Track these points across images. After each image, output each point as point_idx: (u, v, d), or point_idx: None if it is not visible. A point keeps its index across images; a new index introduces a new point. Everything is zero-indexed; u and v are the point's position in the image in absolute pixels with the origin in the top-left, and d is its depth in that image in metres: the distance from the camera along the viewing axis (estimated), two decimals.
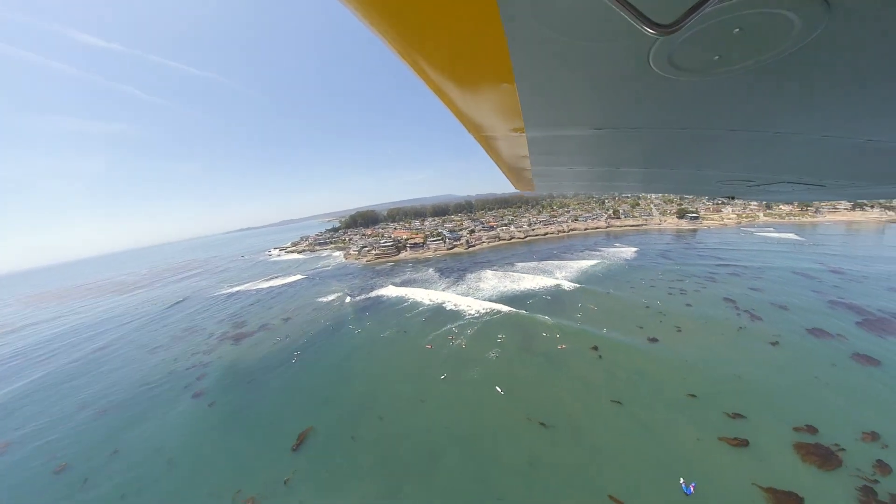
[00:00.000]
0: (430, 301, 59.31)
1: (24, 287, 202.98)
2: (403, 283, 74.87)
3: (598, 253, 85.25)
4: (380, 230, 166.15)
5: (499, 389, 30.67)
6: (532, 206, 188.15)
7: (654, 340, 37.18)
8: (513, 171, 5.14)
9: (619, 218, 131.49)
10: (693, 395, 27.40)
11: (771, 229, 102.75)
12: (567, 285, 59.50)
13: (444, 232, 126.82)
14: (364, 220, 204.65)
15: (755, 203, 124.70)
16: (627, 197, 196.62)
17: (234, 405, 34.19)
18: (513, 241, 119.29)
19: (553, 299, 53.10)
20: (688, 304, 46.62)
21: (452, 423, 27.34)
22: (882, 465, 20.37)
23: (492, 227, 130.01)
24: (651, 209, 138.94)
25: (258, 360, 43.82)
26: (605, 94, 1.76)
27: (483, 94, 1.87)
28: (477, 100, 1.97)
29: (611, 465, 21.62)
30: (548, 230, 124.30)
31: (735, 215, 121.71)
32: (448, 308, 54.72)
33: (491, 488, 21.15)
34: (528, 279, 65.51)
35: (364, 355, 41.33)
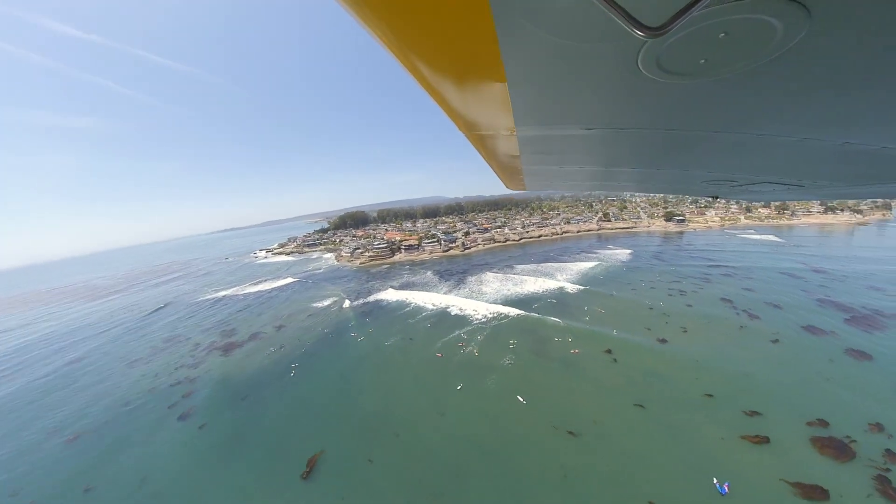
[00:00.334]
0: (434, 305, 58.51)
1: None
2: (403, 287, 74.02)
3: (594, 255, 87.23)
4: (371, 231, 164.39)
5: (520, 398, 30.02)
6: (522, 209, 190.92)
7: (663, 341, 38.34)
8: (504, 171, 5.16)
9: (609, 221, 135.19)
10: (710, 395, 28.37)
11: (752, 231, 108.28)
12: (570, 287, 60.59)
13: (439, 234, 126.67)
14: (354, 220, 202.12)
15: (736, 206, 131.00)
16: (614, 200, 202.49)
17: (228, 427, 30.73)
18: (507, 243, 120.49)
19: (559, 302, 53.83)
20: (689, 305, 48.38)
21: (476, 436, 26.03)
22: (892, 455, 21.74)
23: (486, 230, 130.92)
24: (639, 212, 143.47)
25: (252, 373, 40.53)
26: (594, 94, 1.80)
27: (474, 93, 1.88)
28: (468, 98, 1.98)
29: (644, 470, 21.80)
30: (541, 232, 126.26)
31: (718, 218, 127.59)
32: (453, 313, 54.06)
33: None
34: (531, 281, 66.27)
35: (370, 366, 39.31)
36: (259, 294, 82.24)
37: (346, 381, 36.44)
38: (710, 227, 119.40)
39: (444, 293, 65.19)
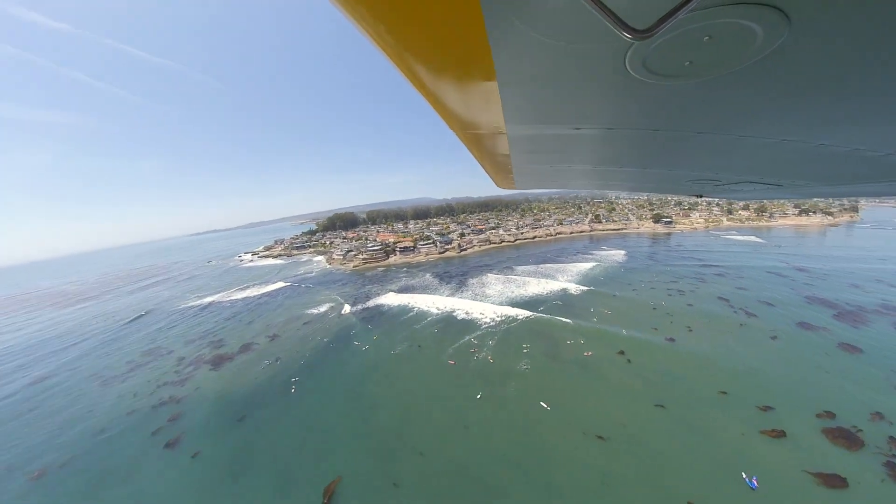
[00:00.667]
0: (438, 309, 57.53)
1: None
2: (403, 290, 73.02)
3: (591, 256, 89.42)
4: (362, 233, 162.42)
5: (544, 405, 29.60)
6: (513, 210, 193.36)
7: (671, 340, 39.76)
8: (495, 169, 5.25)
9: (600, 222, 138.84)
10: (724, 392, 29.64)
11: (734, 232, 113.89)
12: (573, 288, 61.86)
13: (434, 235, 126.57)
14: (343, 222, 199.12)
15: (717, 208, 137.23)
16: (601, 202, 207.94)
17: (226, 455, 27.37)
18: (503, 244, 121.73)
19: (564, 304, 54.75)
20: (689, 304, 50.36)
21: (505, 448, 24.98)
22: (895, 441, 23.41)
23: (481, 231, 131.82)
24: (628, 214, 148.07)
25: (247, 390, 37.02)
26: (583, 94, 1.87)
27: (465, 91, 1.93)
28: (459, 97, 2.03)
29: (676, 470, 22.29)
30: (536, 234, 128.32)
31: (703, 220, 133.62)
32: (459, 317, 53.21)
33: None
34: (533, 283, 67.21)
35: (380, 377, 37.01)
36: (247, 300, 78.07)
37: (356, 396, 33.95)
38: (695, 229, 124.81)
39: (447, 296, 64.71)
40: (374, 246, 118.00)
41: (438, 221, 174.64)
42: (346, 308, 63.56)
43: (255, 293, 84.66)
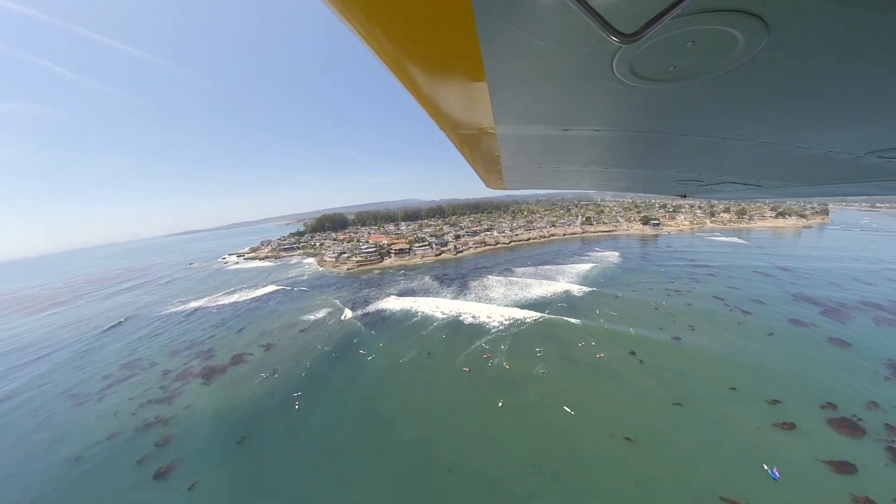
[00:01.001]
0: (443, 314, 56.24)
1: None
2: (404, 294, 72.01)
3: (587, 257, 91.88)
4: (352, 234, 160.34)
5: (568, 409, 29.38)
6: (504, 212, 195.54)
7: (677, 339, 41.50)
8: (484, 169, 5.32)
9: (592, 224, 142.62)
10: (733, 388, 31.26)
11: (718, 234, 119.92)
12: (575, 290, 63.39)
13: (428, 237, 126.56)
14: (333, 223, 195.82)
15: (700, 211, 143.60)
16: (588, 204, 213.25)
17: (228, 485, 24.27)
18: (498, 246, 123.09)
19: (570, 305, 55.93)
20: (688, 304, 52.67)
21: (535, 456, 24.41)
22: (892, 428, 25.58)
23: (475, 233, 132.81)
24: (617, 217, 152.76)
25: (245, 408, 33.76)
26: (571, 96, 1.93)
27: (455, 92, 1.97)
28: (449, 97, 2.08)
29: (702, 466, 23.17)
30: (530, 235, 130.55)
31: (688, 222, 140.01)
32: (467, 321, 51.91)
33: None
34: (535, 285, 68.35)
35: (393, 390, 34.94)
36: (236, 305, 73.54)
37: (369, 412, 31.69)
38: (681, 231, 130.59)
39: (451, 299, 64.09)
40: (368, 248, 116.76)
41: (430, 223, 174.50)
42: (347, 313, 60.88)
43: (245, 297, 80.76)
